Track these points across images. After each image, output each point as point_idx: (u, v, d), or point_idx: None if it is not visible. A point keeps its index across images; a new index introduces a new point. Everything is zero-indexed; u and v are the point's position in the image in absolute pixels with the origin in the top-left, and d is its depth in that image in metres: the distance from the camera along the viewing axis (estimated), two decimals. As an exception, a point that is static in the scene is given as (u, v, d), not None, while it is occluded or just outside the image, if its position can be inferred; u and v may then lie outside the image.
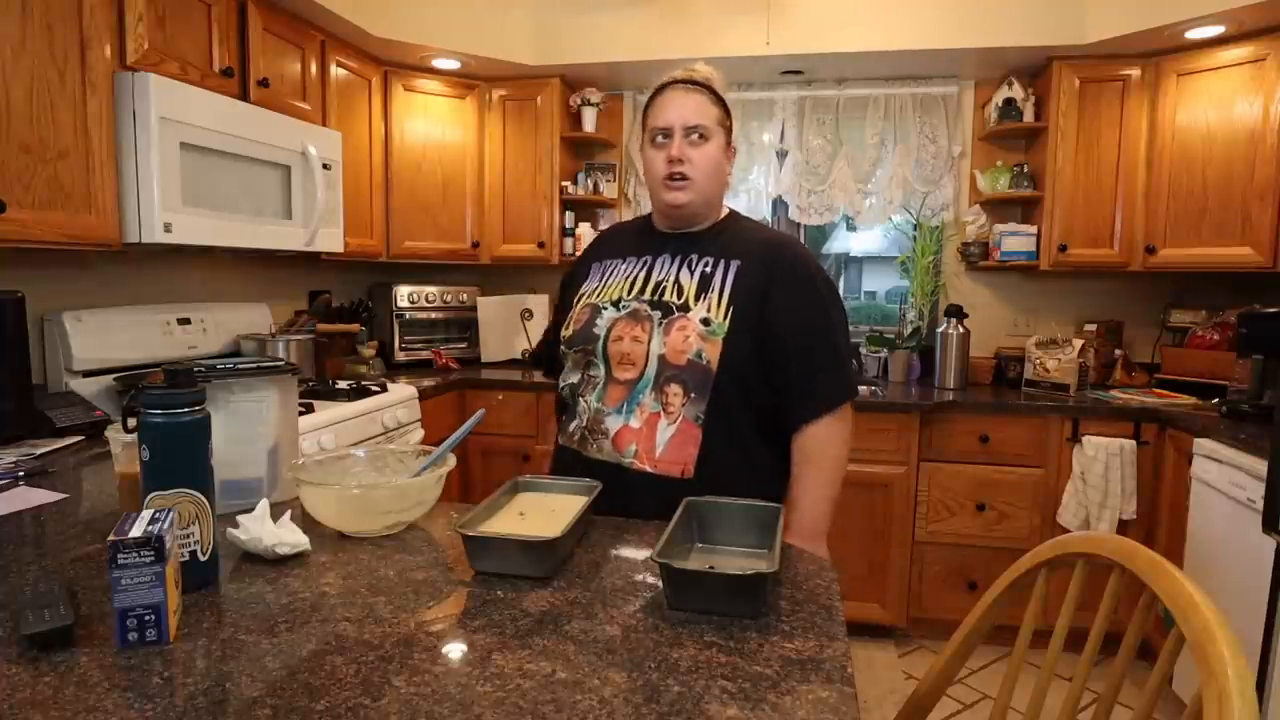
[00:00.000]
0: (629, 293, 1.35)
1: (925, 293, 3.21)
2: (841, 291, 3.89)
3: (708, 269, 1.33)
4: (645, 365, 1.28)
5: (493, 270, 3.55)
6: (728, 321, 1.27)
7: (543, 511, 1.12)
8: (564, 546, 1.01)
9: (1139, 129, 2.78)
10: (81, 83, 1.72)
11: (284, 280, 2.99)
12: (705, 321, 1.27)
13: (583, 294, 1.42)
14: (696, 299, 1.30)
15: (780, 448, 1.33)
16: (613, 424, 1.30)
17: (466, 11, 2.93)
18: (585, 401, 1.35)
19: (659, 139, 1.33)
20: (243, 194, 2.14)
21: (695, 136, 1.32)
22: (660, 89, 1.37)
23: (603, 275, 1.42)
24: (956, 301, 3.16)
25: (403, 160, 3.08)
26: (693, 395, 1.26)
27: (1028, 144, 3.16)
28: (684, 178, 1.31)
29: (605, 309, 1.35)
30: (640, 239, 1.43)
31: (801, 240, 3.39)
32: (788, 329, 1.29)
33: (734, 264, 1.32)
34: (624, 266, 1.40)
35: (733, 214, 1.45)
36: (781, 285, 1.30)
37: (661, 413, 1.27)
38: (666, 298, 1.31)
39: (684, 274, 1.33)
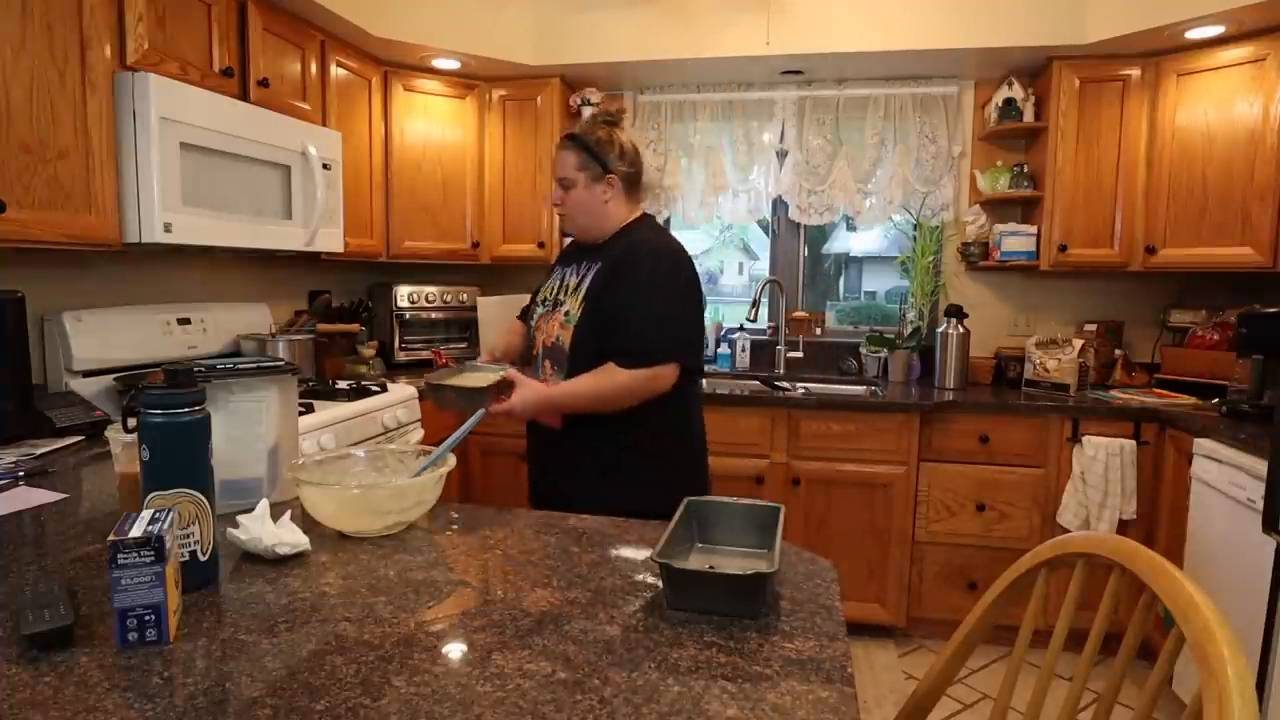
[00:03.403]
0: (552, 293, 1.74)
1: (925, 293, 3.22)
2: (841, 292, 3.90)
3: (585, 271, 1.69)
4: (539, 347, 1.71)
5: (493, 270, 3.55)
6: (580, 312, 1.63)
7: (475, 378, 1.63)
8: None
9: (1139, 129, 2.78)
10: (81, 83, 1.72)
11: (284, 280, 2.99)
12: (567, 314, 1.66)
13: (538, 291, 1.83)
14: (571, 296, 1.68)
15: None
16: None
17: (466, 11, 2.93)
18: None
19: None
20: (243, 194, 2.14)
21: (565, 185, 1.70)
22: None
23: (550, 278, 1.80)
24: (956, 301, 3.16)
25: (403, 160, 3.08)
26: (557, 368, 1.66)
27: (1028, 144, 3.16)
28: (563, 215, 1.73)
29: (540, 307, 1.77)
30: (576, 252, 1.78)
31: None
32: (619, 306, 1.60)
33: (596, 265, 1.66)
34: (560, 273, 1.77)
35: (632, 225, 1.71)
36: (621, 276, 1.61)
37: (547, 381, 1.67)
38: (561, 297, 1.71)
39: (573, 277, 1.71)
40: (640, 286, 1.59)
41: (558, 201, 1.72)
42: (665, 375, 1.57)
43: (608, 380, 1.56)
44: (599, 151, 1.67)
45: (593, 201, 1.69)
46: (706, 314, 3.55)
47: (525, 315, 1.93)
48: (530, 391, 1.57)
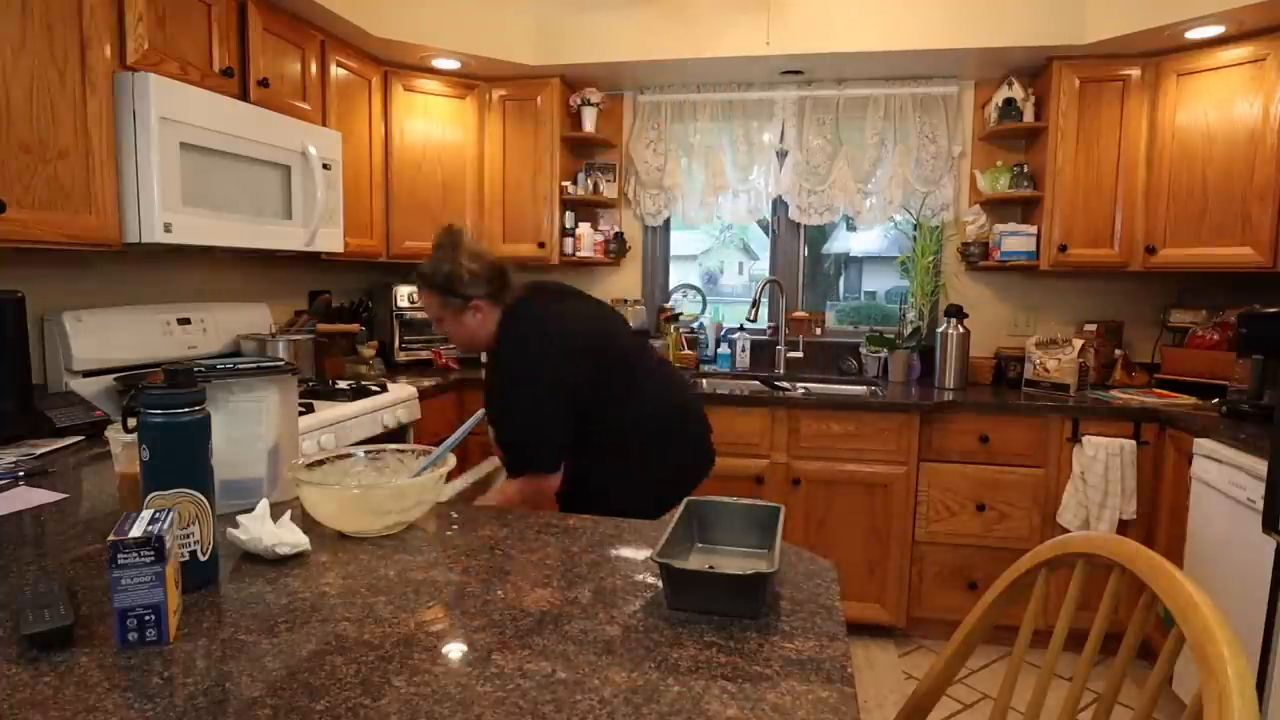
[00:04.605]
0: None
1: (925, 293, 3.21)
2: (841, 292, 3.90)
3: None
4: None
5: (493, 270, 3.55)
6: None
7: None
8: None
9: (1139, 129, 2.78)
10: (81, 83, 1.72)
11: (284, 280, 2.99)
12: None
13: None
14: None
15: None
16: None
17: (466, 11, 2.93)
18: None
19: None
20: (243, 194, 2.14)
21: (437, 319, 1.81)
22: None
23: None
24: (956, 301, 3.16)
25: (403, 160, 3.08)
26: None
27: (1028, 144, 3.16)
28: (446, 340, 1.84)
29: None
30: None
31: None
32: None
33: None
34: None
35: (501, 324, 1.76)
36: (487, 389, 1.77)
37: None
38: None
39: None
40: (492, 401, 1.72)
41: (438, 330, 1.84)
42: (537, 480, 1.69)
43: (510, 493, 1.74)
44: (452, 289, 1.74)
45: (468, 327, 1.78)
46: (706, 315, 3.55)
47: None
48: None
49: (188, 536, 0.92)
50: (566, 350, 1.68)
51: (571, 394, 1.67)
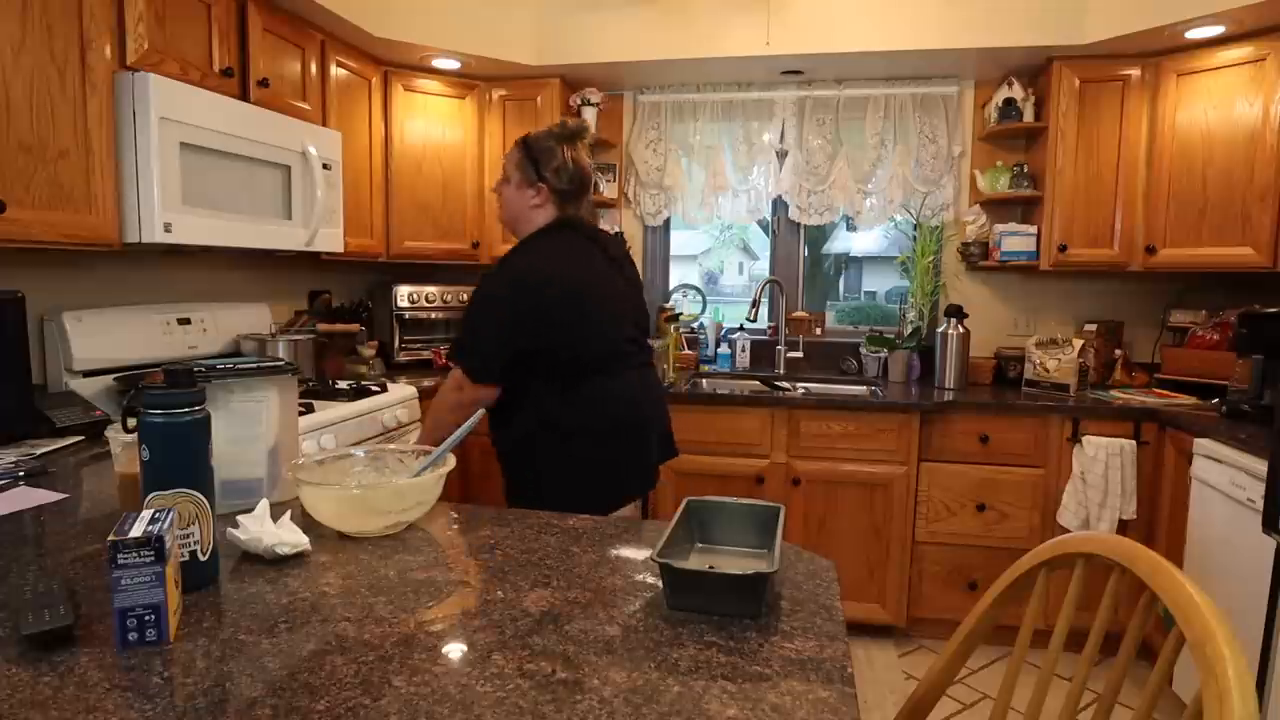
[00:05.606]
0: None
1: (925, 293, 3.21)
2: (841, 292, 3.90)
3: None
4: None
5: (493, 270, 3.55)
6: None
7: None
8: None
9: (1139, 129, 2.78)
10: (81, 83, 1.72)
11: (284, 280, 2.99)
12: None
13: None
14: None
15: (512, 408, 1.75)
16: None
17: (466, 11, 2.93)
18: None
19: None
20: (243, 194, 2.14)
21: (504, 178, 1.84)
22: None
23: None
24: (956, 301, 3.16)
25: (403, 160, 3.08)
26: None
27: (1028, 144, 3.16)
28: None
29: None
30: None
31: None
32: None
33: None
34: None
35: (530, 236, 1.78)
36: None
37: None
38: None
39: None
40: (471, 299, 1.77)
41: (495, 189, 1.87)
42: (466, 383, 1.70)
43: (438, 396, 1.76)
44: (537, 159, 1.78)
45: (520, 202, 1.81)
46: (706, 315, 3.56)
47: None
48: None
49: (188, 536, 0.92)
50: (524, 298, 1.68)
51: (513, 335, 1.68)
